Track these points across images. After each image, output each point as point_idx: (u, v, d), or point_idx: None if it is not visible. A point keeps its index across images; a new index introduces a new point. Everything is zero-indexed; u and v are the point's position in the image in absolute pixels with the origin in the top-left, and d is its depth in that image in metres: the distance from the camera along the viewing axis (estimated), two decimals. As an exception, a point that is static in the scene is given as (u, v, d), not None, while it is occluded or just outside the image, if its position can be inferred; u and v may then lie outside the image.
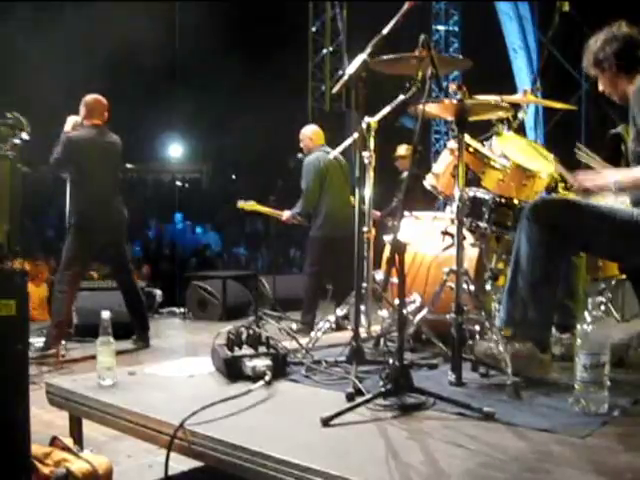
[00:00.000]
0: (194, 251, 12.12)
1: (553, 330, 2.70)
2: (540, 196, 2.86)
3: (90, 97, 5.22)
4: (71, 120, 5.24)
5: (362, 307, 2.85)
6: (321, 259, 5.90)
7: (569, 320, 2.66)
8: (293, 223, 6.20)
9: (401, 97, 2.97)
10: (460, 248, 2.52)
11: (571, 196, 2.68)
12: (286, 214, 6.09)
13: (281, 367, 2.54)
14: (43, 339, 4.97)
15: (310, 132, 6.11)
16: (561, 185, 3.09)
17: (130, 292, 5.39)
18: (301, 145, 6.10)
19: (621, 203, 2.61)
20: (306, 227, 6.07)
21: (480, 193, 2.86)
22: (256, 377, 2.39)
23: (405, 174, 6.80)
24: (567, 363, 2.53)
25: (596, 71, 2.65)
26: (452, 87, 2.62)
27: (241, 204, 6.24)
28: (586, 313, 2.04)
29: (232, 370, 2.48)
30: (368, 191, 3.21)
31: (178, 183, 13.83)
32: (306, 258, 6.14)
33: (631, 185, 2.43)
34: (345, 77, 2.74)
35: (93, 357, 2.77)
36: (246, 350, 2.53)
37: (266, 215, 6.42)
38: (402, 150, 6.91)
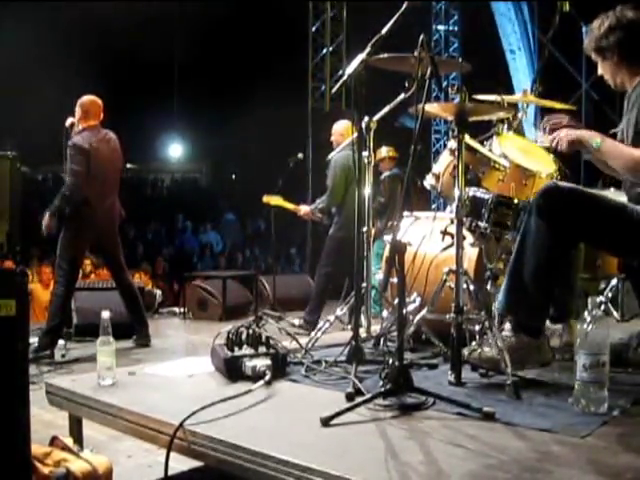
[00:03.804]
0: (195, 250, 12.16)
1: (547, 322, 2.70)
2: (552, 182, 2.82)
3: (86, 98, 5.22)
4: (68, 122, 5.25)
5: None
6: (337, 259, 5.77)
7: (562, 311, 2.66)
8: (312, 219, 6.12)
9: (401, 97, 2.97)
10: (460, 248, 2.52)
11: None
12: (304, 209, 6.00)
13: (281, 367, 2.54)
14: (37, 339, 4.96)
15: (342, 128, 5.88)
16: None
17: (126, 289, 5.38)
18: (332, 139, 5.91)
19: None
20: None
21: (480, 193, 2.86)
22: (256, 377, 2.39)
23: (385, 174, 6.77)
24: (567, 363, 2.53)
25: (597, 57, 2.62)
26: (452, 90, 2.62)
27: (267, 198, 6.14)
28: (586, 313, 2.04)
29: (232, 370, 2.48)
30: (368, 191, 3.21)
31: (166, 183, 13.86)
32: (321, 257, 6.02)
33: (611, 154, 2.42)
34: (344, 77, 2.74)
35: (93, 357, 2.77)
36: (246, 350, 2.53)
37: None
38: (383, 152, 6.88)
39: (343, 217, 5.76)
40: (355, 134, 2.99)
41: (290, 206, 6.16)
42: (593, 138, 2.44)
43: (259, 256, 12.83)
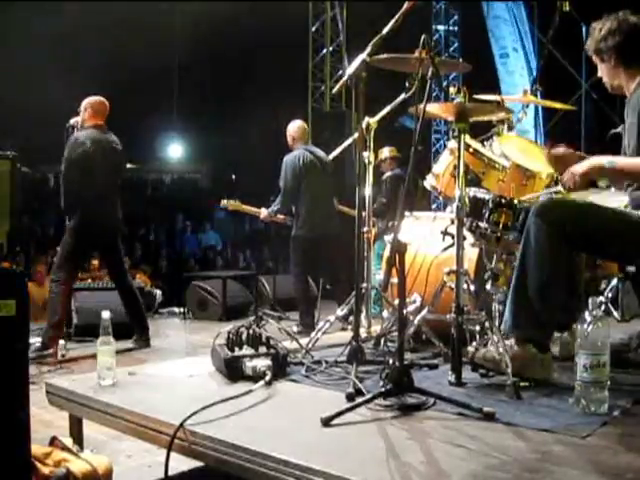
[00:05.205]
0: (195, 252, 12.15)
1: None
2: (548, 196, 2.83)
3: (96, 98, 5.22)
4: (72, 121, 5.25)
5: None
6: (304, 260, 5.87)
7: (567, 319, 2.65)
8: (274, 221, 6.17)
9: (401, 97, 2.97)
10: (460, 248, 2.52)
11: (576, 196, 2.66)
12: (263, 212, 6.03)
13: (281, 367, 2.54)
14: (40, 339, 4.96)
15: (292, 129, 6.01)
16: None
17: (126, 293, 5.36)
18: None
19: (619, 204, 2.60)
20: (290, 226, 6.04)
21: (480, 193, 2.86)
22: (256, 377, 2.39)
23: (387, 174, 6.79)
24: (567, 363, 2.53)
25: (596, 58, 2.62)
26: (452, 90, 2.62)
27: (225, 203, 6.22)
28: (586, 313, 2.04)
29: (232, 370, 2.47)
30: (368, 191, 3.21)
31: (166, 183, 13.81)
32: (290, 259, 6.11)
33: (627, 168, 2.40)
34: (345, 77, 2.74)
35: (93, 357, 2.78)
36: (246, 350, 2.53)
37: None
38: (385, 152, 6.90)
39: (301, 216, 5.81)
40: (355, 134, 3.00)
41: (249, 209, 6.21)
42: (603, 159, 2.42)
43: (259, 256, 12.82)
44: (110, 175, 5.23)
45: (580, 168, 2.44)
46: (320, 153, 5.91)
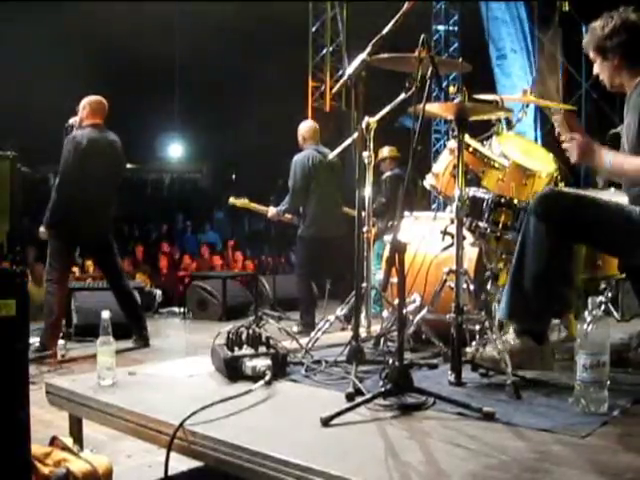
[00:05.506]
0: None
1: None
2: (549, 188, 2.83)
3: (94, 98, 5.22)
4: (71, 121, 5.25)
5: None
6: (309, 260, 5.88)
7: (563, 307, 2.65)
8: (281, 221, 6.18)
9: (401, 97, 2.97)
10: (460, 248, 2.52)
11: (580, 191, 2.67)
12: (271, 211, 6.04)
13: (281, 367, 2.54)
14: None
15: (303, 129, 6.05)
16: (561, 184, 3.09)
17: (123, 294, 5.34)
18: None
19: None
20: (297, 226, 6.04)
21: (480, 193, 2.86)
22: (256, 377, 2.39)
23: (387, 174, 6.79)
24: (567, 362, 2.54)
25: (596, 57, 2.61)
26: (452, 90, 2.62)
27: (232, 200, 6.23)
28: (586, 313, 2.04)
29: (232, 370, 2.47)
30: (368, 191, 3.21)
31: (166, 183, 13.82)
32: (295, 259, 6.13)
33: (624, 171, 2.41)
34: (345, 77, 2.74)
35: (93, 357, 2.78)
36: (246, 350, 2.53)
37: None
38: (384, 152, 6.90)
39: (309, 216, 5.81)
40: (355, 134, 3.00)
41: (257, 208, 6.22)
42: (606, 159, 2.41)
43: (259, 256, 12.81)
44: (107, 174, 5.21)
45: (585, 152, 2.44)
46: (329, 154, 5.90)
